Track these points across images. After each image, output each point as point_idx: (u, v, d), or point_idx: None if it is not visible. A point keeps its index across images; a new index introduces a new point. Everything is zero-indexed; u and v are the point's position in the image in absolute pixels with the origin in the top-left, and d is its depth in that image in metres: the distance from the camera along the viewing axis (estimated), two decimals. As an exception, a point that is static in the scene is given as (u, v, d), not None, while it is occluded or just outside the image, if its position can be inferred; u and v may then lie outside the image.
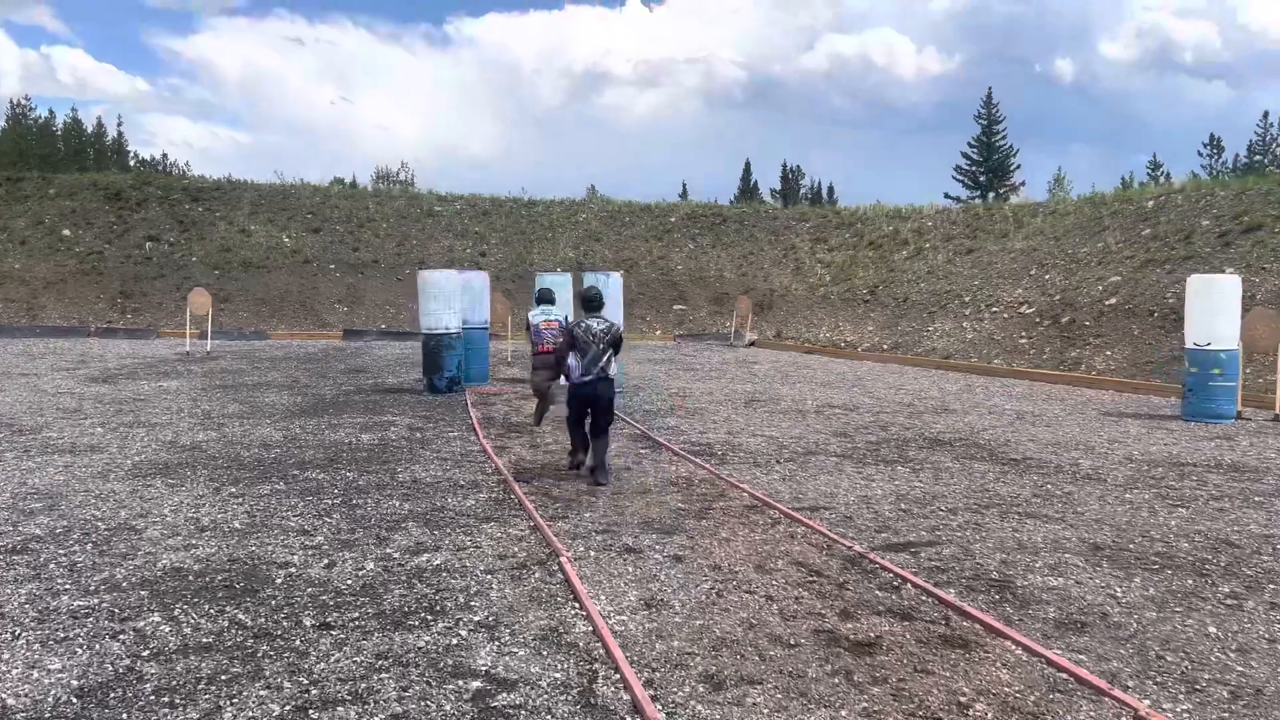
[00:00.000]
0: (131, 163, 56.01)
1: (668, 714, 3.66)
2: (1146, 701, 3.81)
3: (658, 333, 28.45)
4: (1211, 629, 4.66)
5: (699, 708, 3.72)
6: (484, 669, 4.07)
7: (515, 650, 4.27)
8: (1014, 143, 62.93)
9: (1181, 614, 4.87)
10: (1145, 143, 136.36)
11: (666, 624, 4.61)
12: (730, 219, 34.65)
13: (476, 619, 4.66)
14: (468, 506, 6.99)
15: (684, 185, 70.95)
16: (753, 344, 26.69)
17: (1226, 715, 3.76)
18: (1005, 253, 25.03)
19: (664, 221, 33.90)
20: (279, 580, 5.23)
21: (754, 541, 6.10)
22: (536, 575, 5.36)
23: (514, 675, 4.01)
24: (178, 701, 3.72)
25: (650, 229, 33.36)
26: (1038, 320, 20.77)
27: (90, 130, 57.62)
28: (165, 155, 76.82)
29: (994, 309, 22.49)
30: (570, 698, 3.80)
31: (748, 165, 74.97)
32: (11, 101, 64.09)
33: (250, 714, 3.62)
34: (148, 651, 4.22)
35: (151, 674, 3.98)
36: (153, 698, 3.76)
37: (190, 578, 5.26)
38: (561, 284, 14.54)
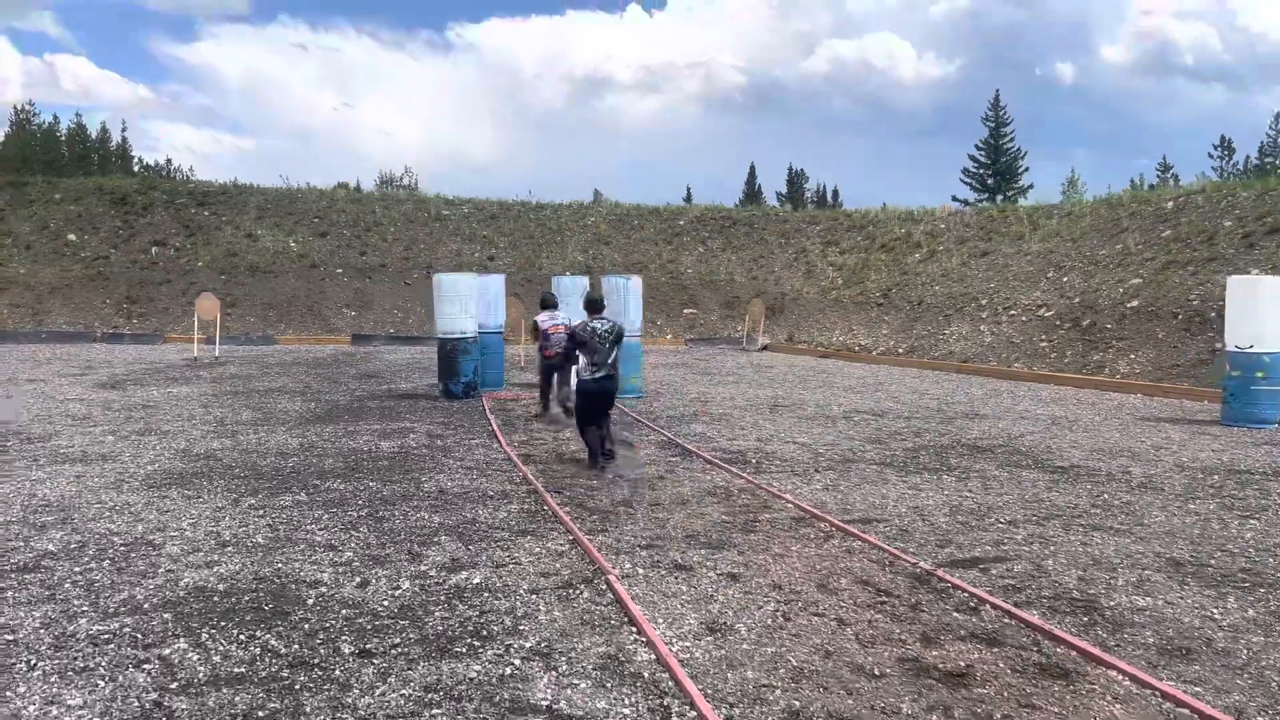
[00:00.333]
0: (136, 168, 55.63)
1: (754, 756, 3.31)
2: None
3: (669, 336, 28.09)
4: (1323, 655, 4.31)
5: (787, 749, 3.37)
6: (545, 703, 3.72)
7: (575, 682, 3.92)
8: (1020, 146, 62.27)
9: (1286, 638, 4.51)
10: (1147, 146, 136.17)
11: (735, 651, 4.26)
12: (739, 222, 34.28)
13: (528, 645, 4.31)
14: (500, 519, 6.65)
15: (688, 189, 70.32)
16: (765, 348, 26.34)
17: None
18: (1021, 255, 24.67)
19: (673, 225, 33.55)
20: (310, 601, 4.88)
21: (810, 557, 5.75)
22: (585, 595, 5.01)
23: (579, 711, 3.66)
24: (213, 743, 3.38)
25: (659, 232, 33.01)
26: (1057, 323, 20.41)
27: (94, 136, 57.29)
28: (169, 160, 76.26)
29: (1012, 312, 22.14)
30: (644, 737, 3.45)
31: (752, 169, 74.55)
32: (15, 107, 63.86)
33: (294, 757, 3.28)
34: (175, 684, 3.87)
35: (182, 711, 3.63)
36: (185, 738, 3.41)
37: (215, 598, 4.91)
38: (579, 288, 14.27)
